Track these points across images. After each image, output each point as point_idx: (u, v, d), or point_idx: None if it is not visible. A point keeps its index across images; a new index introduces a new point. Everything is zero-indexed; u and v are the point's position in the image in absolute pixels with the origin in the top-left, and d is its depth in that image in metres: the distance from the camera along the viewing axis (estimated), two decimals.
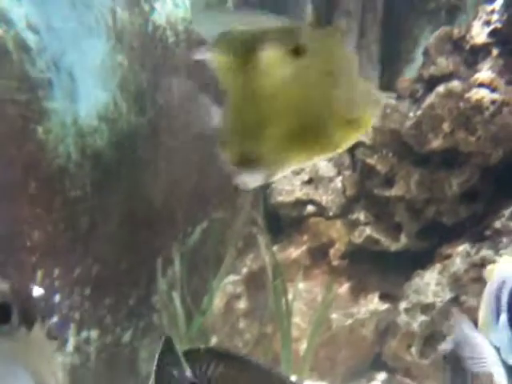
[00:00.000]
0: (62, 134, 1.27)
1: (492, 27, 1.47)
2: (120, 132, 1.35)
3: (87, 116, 1.29)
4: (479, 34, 1.47)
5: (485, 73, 1.34)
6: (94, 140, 1.30)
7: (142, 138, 1.36)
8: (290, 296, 1.22)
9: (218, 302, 1.28)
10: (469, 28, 1.48)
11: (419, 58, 1.71)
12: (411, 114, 1.35)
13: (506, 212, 1.25)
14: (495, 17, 1.50)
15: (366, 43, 1.63)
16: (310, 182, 1.45)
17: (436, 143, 1.26)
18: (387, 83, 1.70)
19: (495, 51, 1.46)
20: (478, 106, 1.26)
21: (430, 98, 1.29)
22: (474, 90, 1.29)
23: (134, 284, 1.28)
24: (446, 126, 1.26)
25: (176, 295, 1.14)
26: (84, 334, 1.24)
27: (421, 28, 1.64)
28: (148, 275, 1.31)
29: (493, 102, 1.26)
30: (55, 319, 1.22)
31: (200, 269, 1.34)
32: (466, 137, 1.25)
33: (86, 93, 1.29)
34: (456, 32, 1.49)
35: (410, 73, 1.72)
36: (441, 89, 1.30)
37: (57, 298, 1.21)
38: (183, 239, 1.33)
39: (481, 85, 1.32)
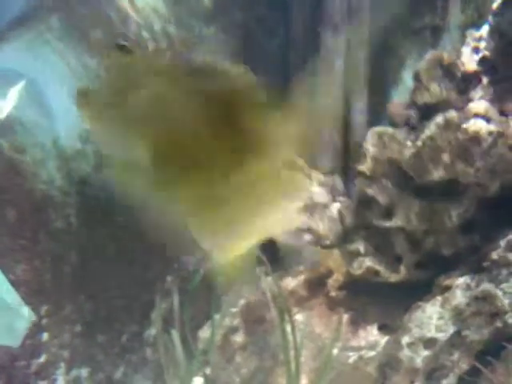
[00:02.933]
0: (41, 156, 1.20)
1: (481, 55, 1.50)
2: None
3: (68, 137, 1.20)
4: (469, 62, 1.49)
5: (479, 102, 1.36)
6: (79, 164, 1.22)
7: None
8: (288, 328, 1.20)
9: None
10: (458, 54, 1.50)
11: (407, 80, 1.72)
12: (409, 143, 1.36)
13: (502, 242, 1.26)
14: (483, 44, 1.53)
15: (354, 62, 1.62)
16: (305, 209, 1.44)
17: (436, 174, 1.26)
18: (375, 105, 1.71)
19: (485, 79, 1.48)
20: (476, 138, 1.27)
21: (430, 129, 1.30)
22: (471, 121, 1.31)
23: (128, 319, 1.24)
24: (445, 157, 1.27)
25: (175, 333, 1.10)
26: (74, 372, 1.19)
27: (406, 48, 1.65)
28: (141, 309, 1.27)
29: (489, 133, 1.27)
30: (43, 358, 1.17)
31: (195, 300, 1.31)
32: (464, 168, 1.26)
33: (63, 110, 1.22)
34: (446, 57, 1.51)
35: (398, 95, 1.73)
36: (440, 120, 1.31)
37: (45, 336, 1.16)
38: (178, 270, 1.30)
39: (476, 115, 1.34)
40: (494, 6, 1.45)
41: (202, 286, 1.33)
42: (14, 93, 1.17)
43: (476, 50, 1.52)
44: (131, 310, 1.30)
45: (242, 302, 1.32)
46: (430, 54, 1.53)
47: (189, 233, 0.66)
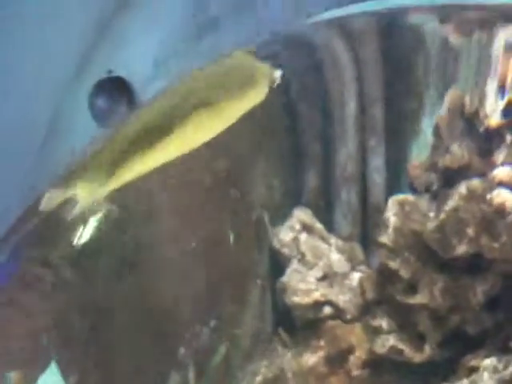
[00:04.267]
0: None
1: (506, 100, 1.41)
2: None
3: None
4: (493, 110, 1.41)
5: (503, 169, 1.33)
6: None
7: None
8: None
9: None
10: (482, 98, 1.41)
11: (427, 130, 1.63)
12: (431, 214, 1.33)
13: None
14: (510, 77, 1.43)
15: (367, 104, 1.55)
16: (324, 278, 1.40)
17: (460, 249, 1.23)
18: (394, 162, 1.65)
19: (509, 137, 1.43)
20: (501, 210, 1.24)
21: (453, 200, 1.27)
22: (495, 192, 1.27)
23: None
24: (470, 231, 1.24)
25: None
26: None
27: (422, 82, 1.54)
28: (152, 381, 1.22)
29: None
30: None
31: (208, 375, 1.26)
32: (489, 243, 1.23)
33: None
34: (468, 104, 1.43)
35: (418, 151, 1.64)
36: (463, 190, 1.28)
37: None
38: (191, 341, 1.26)
39: (500, 183, 1.31)
40: None
41: (218, 356, 1.29)
42: None
43: (502, 89, 1.44)
44: (141, 382, 1.26)
45: (259, 378, 1.27)
46: (449, 98, 1.46)
47: None
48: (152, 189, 1.32)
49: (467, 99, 1.46)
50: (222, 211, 1.52)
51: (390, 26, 1.40)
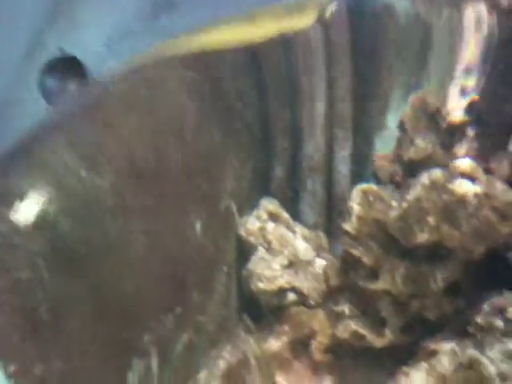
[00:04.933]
0: None
1: (468, 100, 1.45)
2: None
3: None
4: (455, 109, 1.45)
5: (465, 161, 1.36)
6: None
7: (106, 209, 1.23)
8: None
9: None
10: (445, 98, 1.45)
11: (392, 126, 1.65)
12: (394, 203, 1.35)
13: (487, 307, 1.25)
14: (471, 81, 1.42)
15: (335, 101, 1.53)
16: (289, 265, 1.41)
17: (422, 237, 1.25)
18: (360, 156, 1.67)
19: (471, 132, 1.47)
20: (462, 200, 1.27)
21: (415, 190, 1.29)
22: (457, 182, 1.30)
23: (102, 381, 1.18)
24: (431, 220, 1.26)
25: None
26: None
27: (389, 81, 1.50)
28: (117, 369, 1.22)
29: (475, 195, 1.27)
30: None
31: (173, 361, 1.26)
32: (450, 231, 1.26)
33: None
34: (431, 103, 1.46)
35: (382, 144, 1.67)
36: (425, 180, 1.30)
37: None
38: (155, 329, 1.25)
39: (462, 175, 1.34)
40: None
41: (182, 343, 1.29)
42: None
43: (463, 91, 1.49)
44: (106, 370, 1.25)
45: (223, 364, 1.28)
46: (414, 98, 1.51)
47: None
48: (121, 181, 1.31)
49: (430, 99, 1.51)
50: (189, 202, 1.52)
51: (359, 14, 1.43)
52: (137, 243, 1.34)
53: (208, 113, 1.46)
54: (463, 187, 1.34)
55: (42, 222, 1.14)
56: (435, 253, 1.36)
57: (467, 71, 1.44)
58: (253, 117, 1.72)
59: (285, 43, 1.55)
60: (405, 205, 1.37)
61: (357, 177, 1.60)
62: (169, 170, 1.41)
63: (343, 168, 1.68)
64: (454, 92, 1.46)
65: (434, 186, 1.37)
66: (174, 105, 1.38)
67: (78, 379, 1.24)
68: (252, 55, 1.54)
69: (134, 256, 1.34)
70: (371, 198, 1.49)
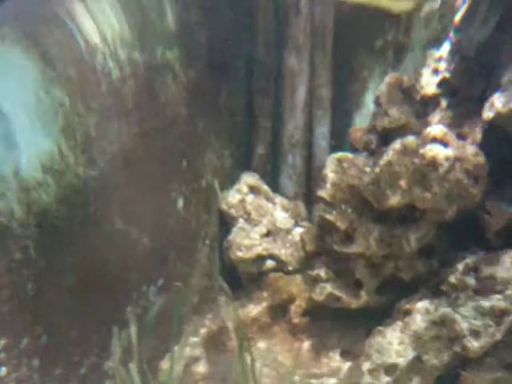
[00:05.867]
0: (1, 188, 1.14)
1: (440, 77, 1.50)
2: (68, 186, 1.26)
3: (29, 167, 1.16)
4: (429, 84, 1.50)
5: (436, 127, 1.38)
6: (39, 195, 1.19)
7: (93, 193, 1.26)
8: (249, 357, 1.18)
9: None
10: (418, 76, 1.50)
11: (369, 104, 1.72)
12: (368, 169, 1.37)
13: (460, 266, 1.27)
14: (443, 65, 1.54)
15: (317, 85, 1.62)
16: (268, 234, 1.43)
17: (394, 200, 1.27)
18: (338, 131, 1.71)
19: (444, 102, 1.49)
20: (433, 163, 1.28)
21: (387, 155, 1.31)
22: (428, 147, 1.32)
23: (86, 351, 1.20)
24: (403, 183, 1.28)
25: (133, 366, 1.08)
26: None
27: (369, 68, 1.64)
28: (100, 340, 1.24)
29: (446, 158, 1.29)
30: None
31: (156, 330, 1.28)
32: (422, 194, 1.27)
33: (25, 139, 1.16)
34: (406, 80, 1.51)
35: (360, 120, 1.73)
36: (397, 145, 1.32)
37: (3, 371, 1.12)
38: (138, 300, 1.28)
39: (434, 140, 1.35)
40: (456, 19, 1.43)
41: (163, 316, 1.31)
42: None
43: (436, 71, 1.53)
44: (90, 341, 1.27)
45: (204, 330, 1.30)
46: (389, 77, 1.55)
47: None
48: (110, 169, 1.34)
49: (405, 77, 1.53)
50: (172, 181, 1.55)
51: None
52: (120, 221, 1.37)
53: (193, 99, 1.50)
54: (434, 150, 1.36)
55: (36, 209, 1.19)
56: (408, 215, 1.38)
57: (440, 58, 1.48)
58: (238, 102, 1.81)
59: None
60: (377, 169, 1.38)
61: (336, 150, 1.62)
62: (154, 154, 1.46)
63: (322, 142, 1.71)
64: (427, 72, 1.49)
65: (405, 150, 1.39)
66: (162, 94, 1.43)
67: (62, 351, 1.27)
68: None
69: (117, 232, 1.37)
70: (345, 165, 1.51)
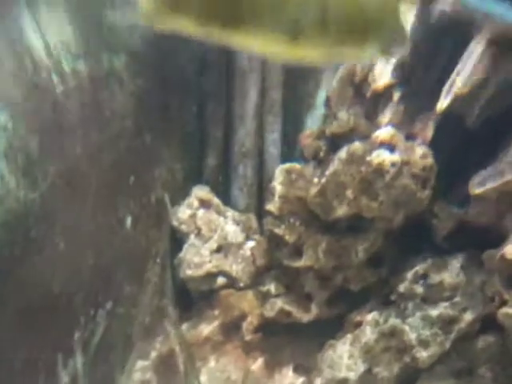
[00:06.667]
0: None
1: (395, 63, 1.44)
2: (9, 211, 1.21)
3: None
4: (382, 74, 1.42)
5: (385, 130, 1.35)
6: None
7: (34, 216, 1.22)
8: (204, 377, 1.16)
9: None
10: (372, 65, 1.43)
11: (321, 105, 1.68)
12: (315, 180, 1.35)
13: (409, 274, 1.25)
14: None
15: (268, 87, 1.56)
16: (218, 250, 1.41)
17: (341, 210, 1.25)
18: (290, 136, 1.68)
19: (396, 95, 1.44)
20: (379, 170, 1.27)
21: (334, 165, 1.29)
22: (375, 153, 1.30)
23: (31, 380, 1.17)
24: (349, 193, 1.26)
25: None
26: None
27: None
28: (47, 368, 1.21)
29: (393, 164, 1.27)
30: None
31: (106, 355, 1.26)
32: (368, 202, 1.26)
33: None
34: (359, 72, 1.45)
35: (312, 122, 1.68)
36: (343, 154, 1.30)
37: None
38: (86, 324, 1.25)
39: (382, 144, 1.33)
40: None
41: (112, 339, 1.28)
42: None
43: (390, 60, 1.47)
44: (35, 370, 1.24)
45: (154, 354, 1.28)
46: (342, 70, 1.46)
47: None
48: (52, 191, 1.30)
49: (358, 68, 1.48)
50: (120, 198, 1.51)
51: None
52: (63, 244, 1.32)
53: (143, 113, 1.46)
54: (380, 157, 1.33)
55: None
56: (355, 225, 1.36)
57: None
58: (189, 110, 1.77)
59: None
60: (324, 180, 1.36)
61: (287, 157, 1.60)
62: (99, 171, 1.41)
63: (274, 150, 1.68)
64: (380, 61, 1.44)
65: (352, 158, 1.37)
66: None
67: (6, 381, 1.23)
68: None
69: (61, 256, 1.33)
70: (293, 177, 1.49)
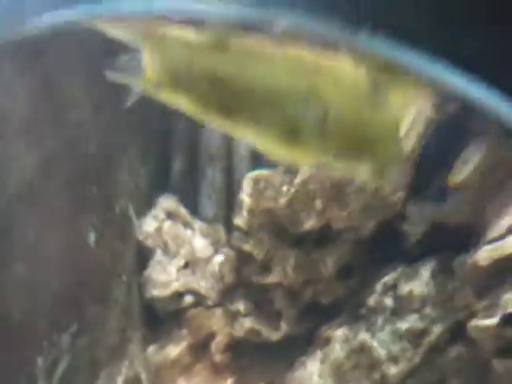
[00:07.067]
0: None
1: None
2: None
3: None
4: None
5: None
6: None
7: None
8: None
9: None
10: None
11: None
12: (285, 189, 1.30)
13: (379, 286, 1.22)
14: None
15: None
16: (186, 266, 1.36)
17: (309, 223, 1.21)
18: None
19: None
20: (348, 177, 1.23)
21: (302, 174, 1.24)
22: None
23: None
24: (318, 204, 1.22)
25: None
26: None
27: None
28: None
29: None
30: None
31: (71, 381, 1.21)
32: (337, 213, 1.22)
33: None
34: None
35: None
36: None
37: None
38: (49, 350, 1.20)
39: None
40: None
41: (78, 363, 1.24)
42: None
43: None
44: None
45: (121, 378, 1.24)
46: None
47: None
48: (7, 200, 1.23)
49: None
50: (80, 212, 1.44)
51: None
52: (22, 266, 1.27)
53: (100, 110, 1.38)
54: None
55: None
56: (325, 237, 1.33)
57: None
58: (153, 109, 1.69)
59: None
60: (292, 190, 1.32)
61: (257, 158, 1.54)
62: (58, 183, 1.34)
63: (243, 151, 1.62)
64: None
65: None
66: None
67: None
68: None
69: (20, 279, 1.28)
70: (262, 186, 1.43)
